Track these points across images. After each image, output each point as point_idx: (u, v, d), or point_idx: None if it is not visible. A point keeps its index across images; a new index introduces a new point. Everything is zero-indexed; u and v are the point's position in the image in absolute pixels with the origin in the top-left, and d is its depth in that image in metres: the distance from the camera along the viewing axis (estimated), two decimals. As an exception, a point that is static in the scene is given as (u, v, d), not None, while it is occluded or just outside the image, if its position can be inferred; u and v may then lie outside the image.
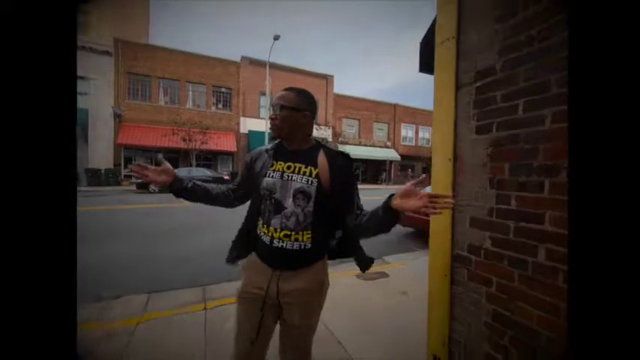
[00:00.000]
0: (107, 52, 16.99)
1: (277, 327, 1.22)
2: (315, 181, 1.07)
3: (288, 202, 1.07)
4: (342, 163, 1.13)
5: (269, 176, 1.10)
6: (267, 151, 1.19)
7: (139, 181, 14.15)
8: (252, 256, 1.18)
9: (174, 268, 4.04)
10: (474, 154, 1.33)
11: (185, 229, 6.13)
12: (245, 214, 1.24)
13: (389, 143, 27.01)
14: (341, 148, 22.79)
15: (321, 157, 1.12)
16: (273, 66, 20.04)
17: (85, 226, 6.41)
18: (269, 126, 1.16)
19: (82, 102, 16.70)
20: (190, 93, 19.50)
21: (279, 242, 1.08)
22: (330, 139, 22.47)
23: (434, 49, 1.56)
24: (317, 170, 1.09)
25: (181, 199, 1.25)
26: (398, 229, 6.30)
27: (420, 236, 6.08)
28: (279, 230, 1.08)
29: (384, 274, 3.87)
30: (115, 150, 17.29)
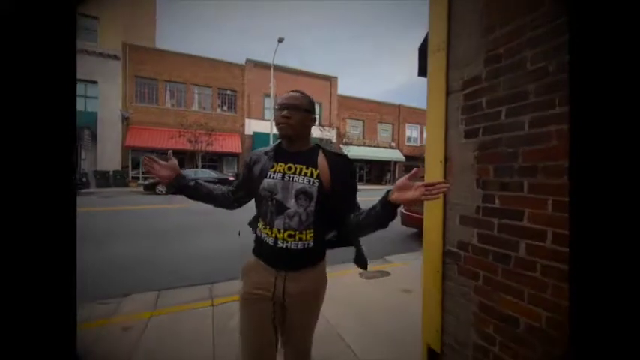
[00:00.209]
0: (115, 57, 17.33)
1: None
2: (316, 181, 1.10)
3: (291, 203, 1.09)
4: (341, 164, 1.16)
5: (270, 177, 1.11)
6: (266, 153, 1.19)
7: (147, 182, 14.41)
8: (253, 260, 1.19)
9: (183, 266, 4.19)
10: (463, 157, 1.43)
11: (191, 229, 6.28)
12: (245, 217, 1.28)
13: (393, 144, 27.02)
14: (345, 149, 22.95)
15: (321, 159, 1.15)
16: (278, 68, 20.24)
17: (94, 226, 6.61)
18: (278, 125, 1.14)
19: (91, 105, 17.08)
20: (196, 95, 19.79)
21: (283, 242, 1.09)
22: (334, 140, 22.57)
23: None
24: (318, 171, 1.11)
25: (187, 199, 1.28)
26: (401, 229, 6.38)
27: (422, 236, 6.14)
28: (282, 231, 1.09)
29: (385, 273, 3.96)
30: (123, 152, 17.60)
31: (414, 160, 27.37)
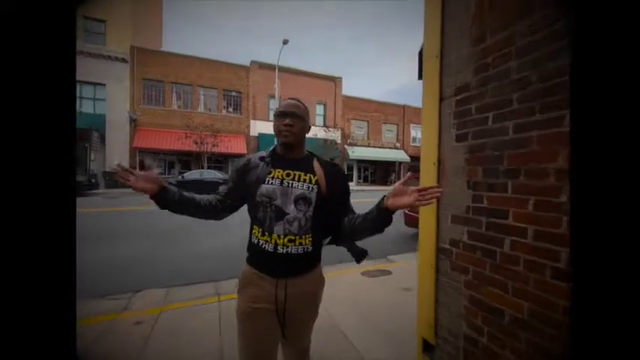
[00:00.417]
0: (123, 60, 17.65)
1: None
2: (315, 187, 1.12)
3: (290, 208, 1.10)
4: (335, 171, 1.20)
5: (268, 183, 1.11)
6: (262, 159, 1.18)
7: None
8: (249, 271, 1.16)
9: (188, 264, 4.32)
10: (455, 159, 1.52)
11: (195, 229, 6.42)
12: (245, 216, 1.23)
13: (398, 144, 27.00)
14: (349, 149, 22.97)
15: (317, 166, 1.18)
16: (282, 69, 20.40)
17: (100, 226, 6.80)
18: (281, 133, 1.14)
19: (99, 108, 17.42)
20: (202, 97, 20.04)
21: (283, 248, 1.09)
22: (338, 141, 22.66)
23: (423, 64, 1.75)
24: (316, 177, 1.14)
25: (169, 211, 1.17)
26: (403, 229, 6.45)
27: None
28: (282, 236, 1.09)
29: (387, 272, 4.04)
30: (131, 153, 17.90)
31: (419, 161, 27.22)
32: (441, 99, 1.61)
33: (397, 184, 1.00)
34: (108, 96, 17.47)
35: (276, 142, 1.25)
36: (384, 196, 1.02)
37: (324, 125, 22.65)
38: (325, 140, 21.15)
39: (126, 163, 17.65)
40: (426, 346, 1.68)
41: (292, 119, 1.13)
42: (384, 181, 26.27)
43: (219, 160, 20.19)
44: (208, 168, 18.10)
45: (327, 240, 1.23)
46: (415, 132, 28.23)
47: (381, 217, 1.02)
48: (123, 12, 18.05)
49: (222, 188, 1.25)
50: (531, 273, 1.15)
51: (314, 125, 22.52)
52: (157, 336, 2.33)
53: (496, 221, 1.29)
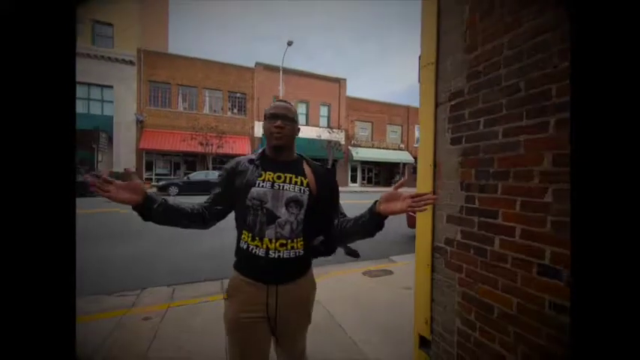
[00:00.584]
0: (130, 62, 17.94)
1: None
2: (306, 190, 1.12)
3: (282, 211, 1.08)
4: (326, 174, 1.20)
5: (258, 186, 1.08)
6: (251, 161, 1.16)
7: (160, 184, 14.86)
8: (237, 277, 1.13)
9: (195, 262, 4.42)
10: (449, 162, 1.59)
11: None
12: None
13: (402, 145, 26.98)
14: (353, 150, 22.97)
15: (307, 168, 1.18)
16: (287, 71, 20.55)
17: (112, 225, 6.96)
18: (272, 135, 1.13)
19: (107, 109, 17.72)
20: (207, 99, 20.26)
21: (275, 252, 1.06)
22: (342, 142, 22.71)
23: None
24: (307, 180, 1.13)
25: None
26: (406, 231, 6.49)
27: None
28: (274, 240, 1.06)
29: (389, 272, 4.10)
30: (137, 154, 18.17)
31: (423, 162, 27.15)
32: (437, 104, 1.68)
33: (391, 189, 1.00)
34: (115, 98, 17.77)
35: (265, 144, 1.24)
36: (377, 201, 1.01)
37: (328, 126, 22.74)
38: (329, 141, 21.22)
39: (132, 164, 17.93)
40: (422, 342, 1.75)
41: (283, 121, 1.11)
42: (388, 183, 26.25)
43: (224, 161, 20.34)
44: (213, 169, 18.29)
45: (318, 239, 1.18)
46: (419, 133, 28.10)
47: (372, 221, 1.01)
48: (130, 15, 18.35)
49: (210, 195, 1.19)
50: (519, 270, 1.21)
51: (318, 126, 22.64)
52: (164, 330, 2.42)
53: (487, 221, 1.36)
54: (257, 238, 1.08)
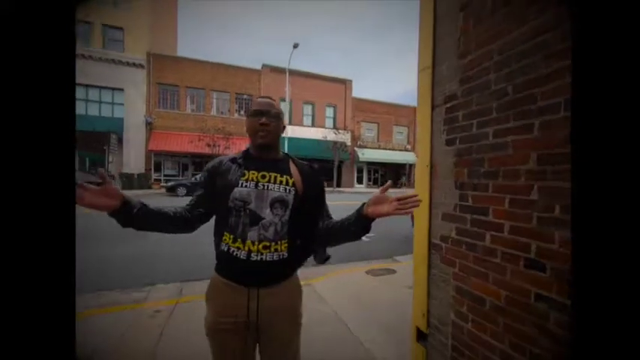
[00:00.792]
0: (140, 65, 18.33)
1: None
2: (292, 189, 1.07)
3: (266, 212, 1.03)
4: (312, 173, 1.17)
5: (242, 186, 1.04)
6: (233, 160, 1.11)
7: (168, 184, 15.14)
8: (217, 280, 1.09)
9: (202, 260, 4.55)
10: (445, 162, 1.66)
11: (206, 227, 6.67)
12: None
13: (409, 146, 26.90)
14: (359, 151, 22.97)
15: (293, 167, 1.14)
16: (293, 72, 20.72)
17: (114, 225, 7.13)
18: (257, 133, 1.08)
19: (117, 112, 18.13)
20: (215, 101, 20.57)
21: (257, 255, 1.02)
22: (348, 143, 22.76)
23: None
24: (293, 179, 1.09)
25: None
26: (411, 231, 6.53)
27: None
28: (257, 243, 1.02)
29: (392, 271, 4.17)
30: (147, 155, 18.52)
31: (430, 163, 27.02)
32: (433, 106, 1.75)
33: (377, 191, 0.99)
34: (125, 100, 18.18)
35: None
36: (364, 204, 1.01)
37: (334, 127, 22.82)
38: (335, 142, 21.30)
39: (142, 165, 18.27)
40: (420, 335, 1.82)
41: (268, 118, 1.07)
42: (395, 184, 26.17)
43: (231, 162, 20.58)
44: (220, 170, 18.48)
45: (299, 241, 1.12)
46: (426, 134, 27.95)
47: (359, 223, 1.01)
48: (140, 19, 18.75)
49: (193, 197, 1.14)
50: (508, 264, 1.28)
51: (324, 127, 22.74)
52: (174, 323, 2.54)
53: (479, 218, 1.43)
54: (239, 240, 1.03)
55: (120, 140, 17.74)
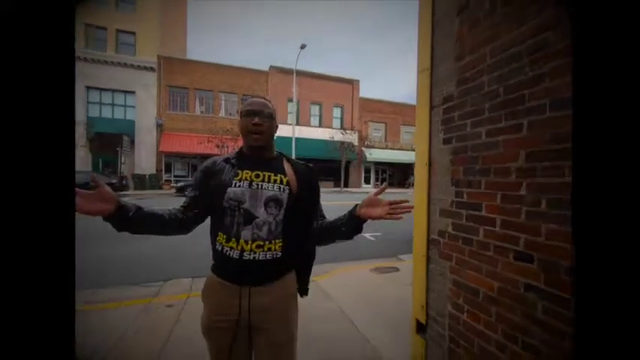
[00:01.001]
0: (151, 69, 18.75)
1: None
2: (286, 188, 1.07)
3: (260, 212, 1.03)
4: (307, 172, 1.16)
5: (235, 186, 1.04)
6: (226, 160, 1.11)
7: (178, 185, 15.45)
8: (212, 279, 1.10)
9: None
10: (442, 160, 1.73)
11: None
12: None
13: (416, 146, 26.71)
14: (367, 151, 22.95)
15: (287, 166, 1.14)
16: (300, 73, 20.87)
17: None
18: (250, 134, 1.07)
19: (129, 114, 18.59)
20: (223, 102, 20.88)
21: (250, 254, 1.02)
22: (355, 144, 22.79)
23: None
24: (287, 178, 1.09)
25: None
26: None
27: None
28: (250, 242, 1.02)
29: (395, 269, 4.23)
30: (157, 157, 18.93)
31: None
32: (431, 107, 1.82)
33: (371, 194, 1.02)
34: (137, 103, 18.63)
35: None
36: (357, 205, 1.04)
37: (341, 128, 22.87)
38: (342, 143, 21.36)
39: (153, 166, 18.66)
40: (419, 327, 1.89)
41: (261, 118, 1.06)
42: (403, 184, 26.08)
43: (239, 163, 20.84)
44: (229, 170, 18.74)
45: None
46: (434, 133, 27.76)
47: (352, 223, 1.04)
48: (151, 24, 19.19)
49: (186, 199, 1.14)
50: (499, 256, 1.35)
51: (331, 128, 22.82)
52: (186, 316, 2.67)
53: (473, 213, 1.49)
54: (232, 239, 1.03)
55: (132, 142, 18.18)
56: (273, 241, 1.05)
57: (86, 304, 2.88)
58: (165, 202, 12.30)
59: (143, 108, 18.64)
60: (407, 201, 0.99)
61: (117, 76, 17.94)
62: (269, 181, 1.06)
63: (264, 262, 1.03)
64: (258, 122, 1.06)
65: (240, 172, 1.07)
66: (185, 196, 1.15)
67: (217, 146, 18.20)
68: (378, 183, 26.35)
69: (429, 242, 1.82)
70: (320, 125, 23.34)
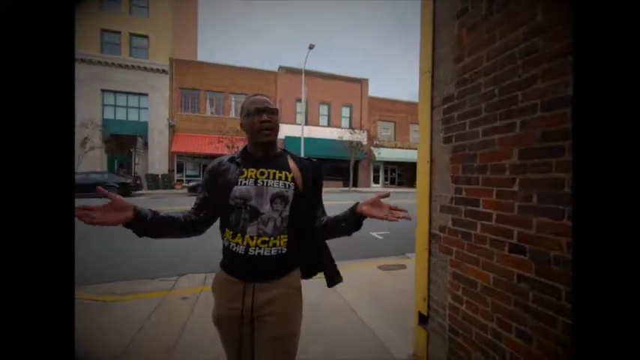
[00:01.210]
0: (164, 71, 19.20)
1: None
2: (292, 184, 1.09)
3: (265, 208, 1.05)
4: (312, 167, 1.18)
5: (241, 184, 1.06)
6: (232, 160, 1.14)
7: (190, 185, 15.79)
8: (220, 274, 1.13)
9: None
10: (443, 158, 1.80)
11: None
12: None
13: (426, 145, 26.48)
14: (376, 151, 22.86)
15: (292, 163, 1.15)
16: (309, 73, 20.99)
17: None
18: (260, 132, 1.08)
19: (143, 115, 19.08)
20: (233, 103, 21.18)
21: (255, 250, 1.04)
22: (364, 143, 22.77)
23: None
24: (292, 174, 1.10)
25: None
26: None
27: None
28: (255, 237, 1.04)
29: (402, 266, 4.29)
30: (170, 157, 19.37)
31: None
32: (433, 107, 1.90)
33: (375, 196, 1.05)
34: (150, 105, 19.10)
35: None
36: (357, 203, 1.08)
37: (350, 127, 22.89)
38: (351, 142, 21.38)
39: (165, 167, 19.09)
40: (421, 318, 1.97)
41: (269, 115, 1.08)
42: (412, 184, 25.89)
43: (249, 163, 21.10)
44: (239, 170, 19.00)
45: (310, 249, 1.17)
46: (444, 132, 27.44)
47: (353, 219, 1.06)
48: (164, 27, 19.63)
49: (196, 200, 1.16)
50: (495, 249, 1.42)
51: (340, 127, 22.86)
52: (199, 308, 2.81)
53: (471, 209, 1.57)
54: (238, 235, 1.05)
55: (145, 143, 18.66)
56: (278, 237, 1.06)
57: (111, 294, 3.06)
58: (178, 201, 12.61)
59: (156, 109, 19.11)
60: (406, 211, 1.02)
61: (131, 78, 18.44)
62: (274, 178, 1.08)
63: (269, 258, 1.05)
64: (267, 119, 1.08)
65: (245, 170, 1.09)
66: (196, 196, 1.20)
67: (227, 146, 18.48)
68: (387, 182, 26.26)
69: (431, 237, 1.90)
70: (329, 125, 23.41)
